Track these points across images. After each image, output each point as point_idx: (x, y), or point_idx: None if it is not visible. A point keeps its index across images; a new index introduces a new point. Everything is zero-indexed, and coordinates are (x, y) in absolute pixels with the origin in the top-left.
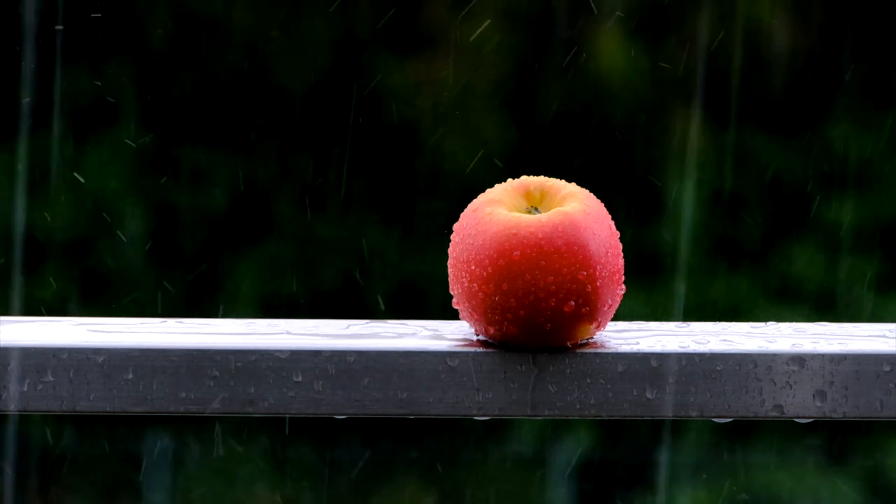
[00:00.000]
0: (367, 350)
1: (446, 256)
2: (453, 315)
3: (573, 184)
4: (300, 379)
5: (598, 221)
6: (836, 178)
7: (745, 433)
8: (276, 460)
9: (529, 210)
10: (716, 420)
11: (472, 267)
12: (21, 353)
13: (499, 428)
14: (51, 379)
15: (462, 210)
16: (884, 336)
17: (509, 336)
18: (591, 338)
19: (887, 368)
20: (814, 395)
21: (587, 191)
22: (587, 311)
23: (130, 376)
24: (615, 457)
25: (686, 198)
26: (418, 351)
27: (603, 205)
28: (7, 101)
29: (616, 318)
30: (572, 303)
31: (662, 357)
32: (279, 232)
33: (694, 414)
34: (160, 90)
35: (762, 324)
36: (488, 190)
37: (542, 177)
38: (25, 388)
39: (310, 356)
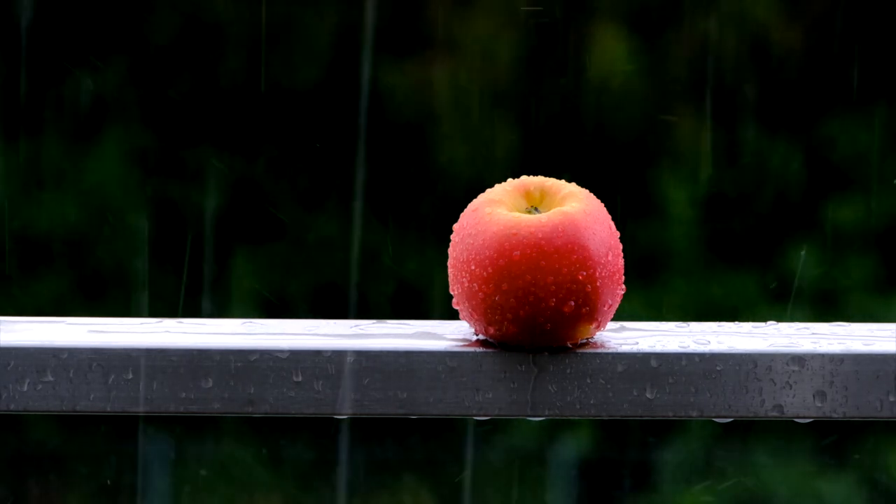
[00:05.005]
0: (367, 350)
1: (446, 256)
2: (453, 315)
3: (573, 184)
4: (300, 379)
5: (598, 221)
6: (836, 178)
7: (744, 433)
8: (275, 460)
9: (529, 210)
10: (716, 420)
11: (472, 267)
12: (21, 353)
13: (499, 428)
14: (51, 379)
15: (462, 210)
16: (884, 336)
17: (509, 336)
18: (591, 338)
19: (887, 368)
20: (814, 395)
21: (587, 191)
22: (587, 311)
23: (130, 376)
24: (615, 457)
25: (686, 198)
26: (418, 351)
27: (603, 205)
28: (7, 100)
29: (616, 318)
30: (572, 303)
31: (662, 357)
32: (279, 232)
33: (694, 414)
34: (161, 90)
35: (762, 324)
36: (488, 190)
37: (541, 177)
38: (25, 388)
39: (310, 356)
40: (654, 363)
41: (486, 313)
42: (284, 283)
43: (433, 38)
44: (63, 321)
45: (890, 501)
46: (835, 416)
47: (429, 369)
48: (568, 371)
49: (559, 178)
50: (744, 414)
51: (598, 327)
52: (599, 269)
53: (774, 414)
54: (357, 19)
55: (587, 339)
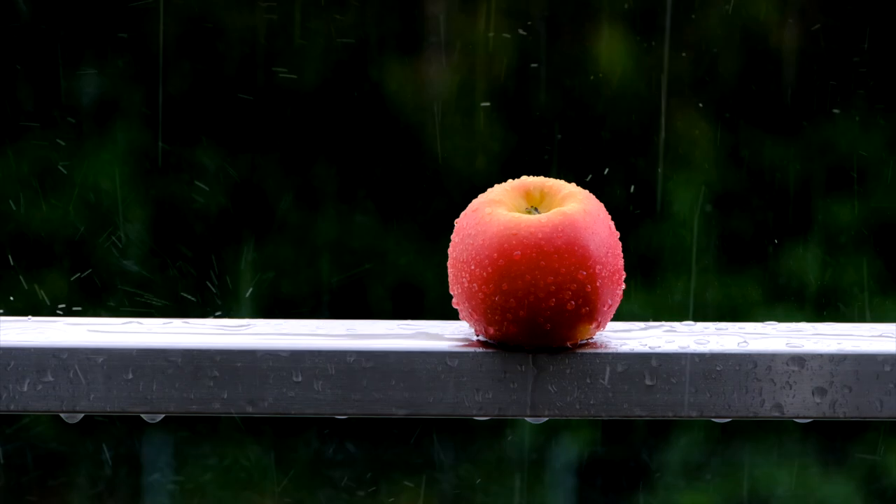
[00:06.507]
0: (367, 350)
1: (446, 256)
2: (453, 315)
3: (573, 184)
4: (300, 379)
5: (598, 221)
6: (836, 178)
7: (744, 433)
8: (275, 460)
9: (529, 210)
10: (716, 420)
11: (472, 267)
12: (21, 353)
13: (499, 428)
14: (51, 379)
15: (462, 210)
16: (884, 336)
17: (509, 336)
18: (591, 338)
19: (887, 368)
20: (814, 395)
21: (587, 191)
22: (587, 311)
23: (130, 376)
24: (615, 457)
25: (686, 198)
26: (418, 351)
27: (603, 205)
28: (8, 100)
29: (616, 318)
30: (572, 303)
31: (662, 357)
32: (279, 232)
33: (694, 414)
34: (161, 89)
35: (762, 324)
36: (488, 190)
37: (541, 177)
38: (25, 388)
39: (310, 356)
40: (654, 363)
41: (486, 313)
42: (284, 282)
43: (433, 38)
44: (63, 321)
45: (890, 501)
46: (835, 416)
47: (429, 369)
48: (568, 371)
49: (559, 178)
50: (744, 414)
51: (598, 327)
52: (599, 270)
53: (774, 414)
54: (357, 19)
55: (587, 339)
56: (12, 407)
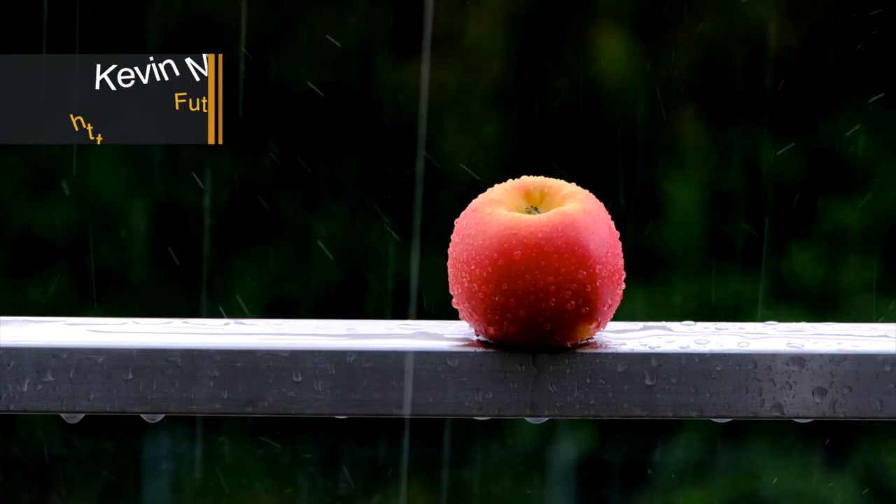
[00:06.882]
0: (367, 350)
1: (446, 256)
2: (453, 315)
3: (573, 184)
4: (300, 379)
5: (598, 221)
6: (836, 178)
7: (744, 433)
8: (275, 460)
9: (529, 210)
10: (715, 420)
11: (472, 267)
12: (21, 353)
13: (499, 428)
14: (51, 379)
15: (462, 210)
16: (884, 336)
17: (509, 336)
18: (591, 338)
19: (887, 368)
20: (814, 395)
21: (587, 191)
22: (587, 311)
23: (130, 376)
24: (615, 457)
25: (686, 198)
26: (418, 351)
27: (603, 205)
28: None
29: (616, 318)
30: (572, 303)
31: (662, 357)
32: (280, 232)
33: (694, 414)
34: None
35: (762, 324)
36: (488, 190)
37: (542, 177)
38: (25, 388)
39: (310, 356)
40: (654, 363)
41: (486, 313)
42: (285, 283)
43: (433, 38)
44: (63, 321)
45: (890, 501)
46: (835, 416)
47: (429, 369)
48: (568, 371)
49: (559, 178)
50: (744, 414)
51: (598, 327)
52: (599, 269)
53: (774, 414)
54: (357, 19)
55: (587, 339)
56: (12, 407)
